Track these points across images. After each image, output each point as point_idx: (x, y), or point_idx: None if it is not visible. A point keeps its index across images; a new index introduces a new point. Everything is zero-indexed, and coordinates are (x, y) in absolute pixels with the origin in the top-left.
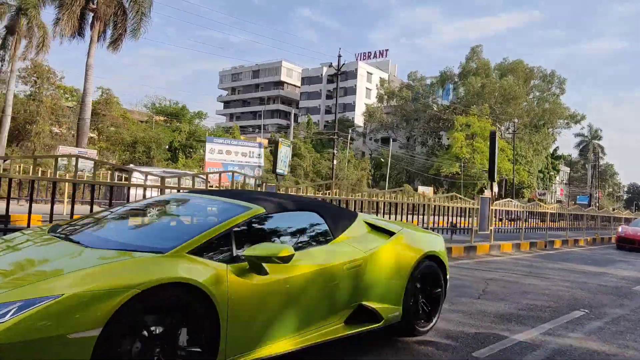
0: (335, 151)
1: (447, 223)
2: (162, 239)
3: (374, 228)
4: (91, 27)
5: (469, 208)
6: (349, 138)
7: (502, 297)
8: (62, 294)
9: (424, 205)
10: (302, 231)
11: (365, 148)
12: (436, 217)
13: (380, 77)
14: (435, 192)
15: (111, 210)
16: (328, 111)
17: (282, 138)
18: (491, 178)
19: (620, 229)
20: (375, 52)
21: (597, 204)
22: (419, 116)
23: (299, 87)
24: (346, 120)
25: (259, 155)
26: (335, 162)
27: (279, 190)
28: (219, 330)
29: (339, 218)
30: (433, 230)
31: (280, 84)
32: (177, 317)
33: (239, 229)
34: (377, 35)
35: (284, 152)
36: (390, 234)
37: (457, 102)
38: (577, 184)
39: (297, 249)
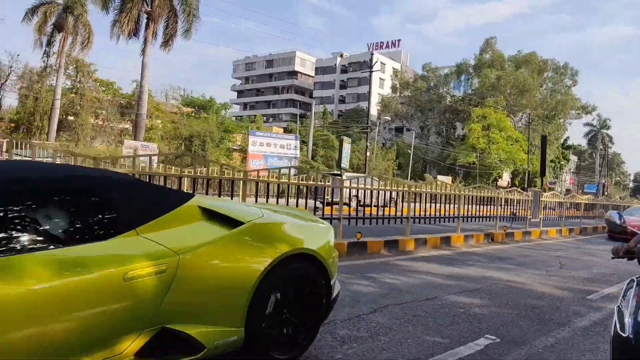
0: (368, 144)
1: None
2: None
3: (213, 215)
4: (146, 28)
5: (524, 200)
6: (376, 130)
7: (577, 268)
8: None
9: (493, 197)
10: (47, 219)
11: (380, 138)
12: (490, 207)
13: (393, 68)
14: (452, 182)
15: None
16: (342, 101)
17: (344, 136)
18: (542, 174)
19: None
20: (387, 42)
21: (607, 193)
22: (432, 106)
23: (313, 77)
24: (360, 110)
25: (295, 147)
26: (368, 153)
27: (342, 182)
28: None
29: (142, 201)
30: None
31: (294, 73)
32: None
33: None
34: (383, 20)
35: (346, 148)
36: (236, 223)
37: (471, 94)
38: (584, 173)
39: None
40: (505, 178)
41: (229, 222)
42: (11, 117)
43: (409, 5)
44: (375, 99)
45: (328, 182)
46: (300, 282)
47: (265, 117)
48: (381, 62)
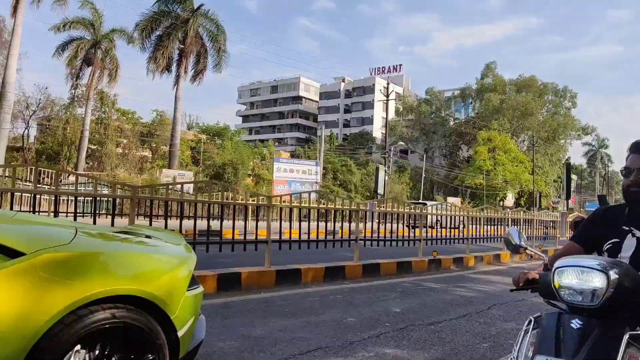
0: (387, 168)
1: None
2: None
3: None
4: (178, 64)
5: (553, 221)
6: (390, 154)
7: None
8: None
9: (532, 219)
10: None
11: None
12: (526, 227)
13: (396, 92)
14: (461, 203)
15: None
16: (346, 124)
17: (380, 165)
18: (567, 198)
19: None
20: (389, 67)
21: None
22: (436, 129)
23: (317, 102)
24: (365, 133)
25: (316, 172)
26: (387, 178)
27: (378, 207)
28: None
29: None
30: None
31: (298, 98)
32: None
33: None
34: (376, 43)
35: (382, 175)
36: (12, 254)
37: (474, 117)
38: (584, 192)
39: None
40: (509, 198)
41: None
42: (37, 147)
43: (402, 28)
44: (379, 122)
45: (413, 209)
46: (127, 338)
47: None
48: (384, 87)
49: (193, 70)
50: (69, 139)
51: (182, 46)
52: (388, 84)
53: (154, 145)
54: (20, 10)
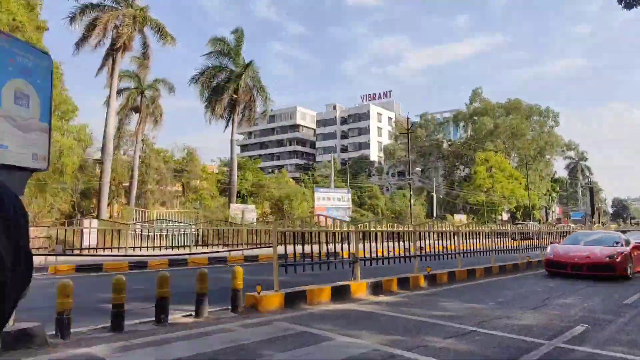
0: (412, 192)
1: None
2: None
3: None
4: (231, 111)
5: (569, 231)
6: (411, 176)
7: None
8: None
9: (553, 232)
10: None
11: (385, 182)
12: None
13: (388, 117)
14: (467, 219)
15: None
16: (344, 149)
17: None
18: (592, 215)
19: (549, 249)
20: (380, 94)
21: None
22: (431, 151)
23: (314, 129)
24: (365, 157)
25: (347, 199)
26: (412, 200)
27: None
28: None
29: None
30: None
31: (295, 127)
32: None
33: None
34: (348, 64)
35: (434, 199)
36: None
37: (469, 139)
38: (566, 202)
39: None
40: (504, 213)
41: None
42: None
43: (374, 49)
44: (375, 146)
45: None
46: None
47: (270, 169)
48: (378, 113)
49: (241, 116)
50: (116, 179)
51: (235, 96)
52: (408, 118)
53: (186, 181)
54: (115, 75)
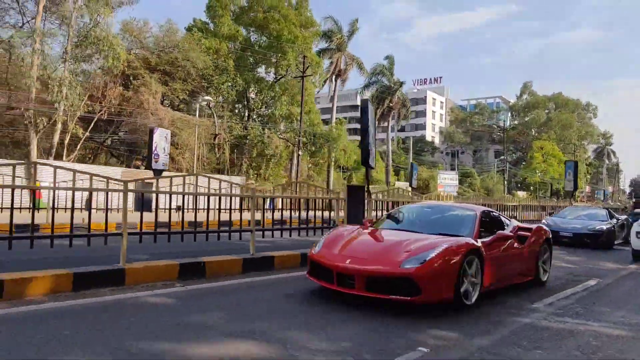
0: (507, 169)
1: None
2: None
3: None
4: (387, 116)
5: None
6: (506, 161)
7: None
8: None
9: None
10: None
11: (441, 160)
12: None
13: (440, 101)
14: (528, 195)
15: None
16: (400, 130)
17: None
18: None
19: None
20: (430, 79)
21: (614, 198)
22: (484, 135)
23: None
24: (422, 138)
25: (455, 179)
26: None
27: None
28: None
29: None
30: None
31: (355, 107)
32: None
33: None
34: (360, 31)
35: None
36: None
37: (524, 127)
38: (595, 182)
39: None
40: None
41: None
42: None
43: (384, 13)
44: (430, 128)
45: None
46: None
47: None
48: (432, 98)
49: (394, 121)
50: None
51: (391, 104)
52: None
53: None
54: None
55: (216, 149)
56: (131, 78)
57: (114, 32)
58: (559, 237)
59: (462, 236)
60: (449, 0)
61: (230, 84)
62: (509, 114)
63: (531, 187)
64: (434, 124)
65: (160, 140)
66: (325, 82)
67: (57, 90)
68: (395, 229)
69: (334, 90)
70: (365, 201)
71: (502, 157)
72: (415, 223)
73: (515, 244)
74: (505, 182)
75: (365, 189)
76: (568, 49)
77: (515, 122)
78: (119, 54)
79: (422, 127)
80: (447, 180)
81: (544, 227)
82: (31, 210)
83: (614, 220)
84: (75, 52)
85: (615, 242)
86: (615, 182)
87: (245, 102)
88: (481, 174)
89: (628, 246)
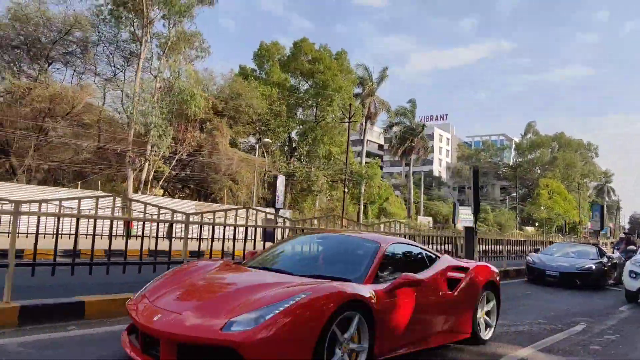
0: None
1: None
2: None
3: None
4: (409, 154)
5: None
6: (518, 198)
7: None
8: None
9: None
10: None
11: (448, 195)
12: None
13: (447, 138)
14: (536, 231)
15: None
16: (407, 164)
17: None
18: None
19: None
20: (436, 116)
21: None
22: (489, 172)
23: (380, 144)
24: (430, 173)
25: (470, 213)
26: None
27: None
28: None
29: None
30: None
31: (361, 141)
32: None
33: None
34: (352, 62)
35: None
36: None
37: (529, 165)
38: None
39: None
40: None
41: None
42: None
43: (378, 48)
44: (437, 164)
45: None
46: None
47: None
48: (439, 134)
49: (415, 157)
50: None
51: (412, 144)
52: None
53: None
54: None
55: (266, 185)
56: (205, 122)
57: (193, 83)
58: (544, 276)
59: (349, 280)
60: (442, 37)
61: (283, 127)
62: (513, 152)
63: (536, 223)
64: (441, 159)
65: (280, 185)
66: (360, 125)
67: (157, 135)
68: (264, 268)
69: (364, 131)
70: (475, 238)
71: (508, 193)
72: (295, 260)
73: (440, 291)
74: (518, 218)
75: (474, 230)
76: (560, 85)
77: (520, 159)
78: (199, 103)
79: (430, 162)
80: (464, 215)
81: (489, 267)
82: (125, 237)
83: (605, 259)
84: (161, 102)
85: (609, 282)
86: (615, 219)
87: (288, 141)
88: (493, 210)
89: (620, 286)
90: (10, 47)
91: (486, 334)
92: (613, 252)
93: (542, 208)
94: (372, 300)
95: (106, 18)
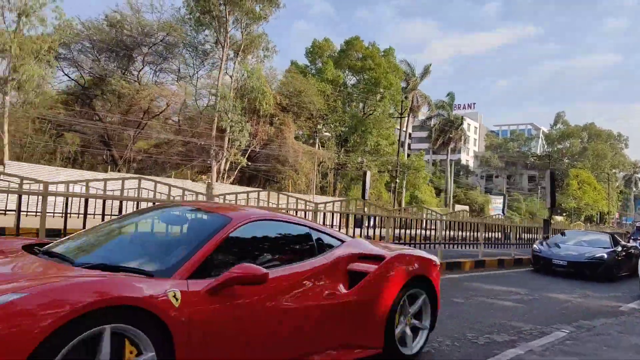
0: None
1: None
2: None
3: None
4: (447, 145)
5: None
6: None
7: None
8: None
9: None
10: None
11: (475, 183)
12: None
13: (474, 127)
14: (565, 220)
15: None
16: (435, 152)
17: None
18: None
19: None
20: (464, 104)
21: None
22: (516, 160)
23: (411, 132)
24: (458, 161)
25: (502, 202)
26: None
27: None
28: None
29: None
30: None
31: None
32: None
33: None
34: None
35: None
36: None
37: (559, 155)
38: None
39: None
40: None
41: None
42: None
43: (401, 34)
44: (465, 152)
45: None
46: None
47: None
48: (467, 123)
49: (451, 149)
50: None
51: (451, 135)
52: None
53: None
54: None
55: (320, 174)
56: (273, 117)
57: (264, 82)
58: (551, 265)
59: (149, 273)
60: (465, 21)
61: (339, 121)
62: (540, 142)
63: (565, 213)
64: (468, 147)
65: (367, 179)
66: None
67: (238, 130)
68: (46, 253)
69: (407, 124)
70: (550, 228)
71: (537, 182)
72: (97, 243)
73: (327, 289)
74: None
75: (550, 221)
76: (586, 73)
77: (549, 150)
78: (270, 100)
79: (458, 150)
80: (496, 204)
81: (420, 255)
82: None
83: (619, 248)
84: (235, 99)
85: (622, 274)
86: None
87: (341, 134)
88: (525, 199)
89: (635, 278)
90: (109, 50)
91: (412, 347)
92: (629, 242)
93: (570, 198)
94: (171, 307)
95: (191, 25)
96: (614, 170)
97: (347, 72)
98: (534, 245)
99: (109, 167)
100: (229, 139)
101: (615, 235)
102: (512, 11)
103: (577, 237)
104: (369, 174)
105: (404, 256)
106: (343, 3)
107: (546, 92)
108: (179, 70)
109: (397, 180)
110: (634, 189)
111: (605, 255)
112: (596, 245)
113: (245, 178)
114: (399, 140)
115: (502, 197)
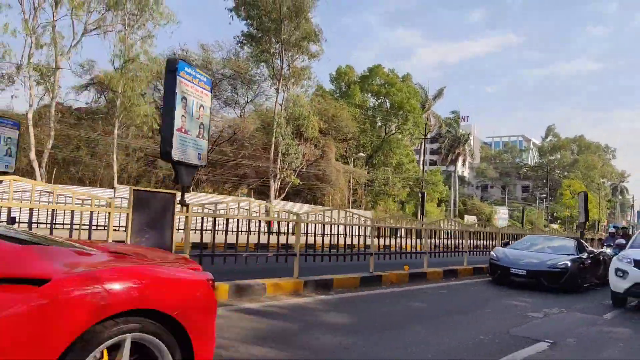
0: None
1: None
2: None
3: None
4: (456, 161)
5: None
6: (547, 197)
7: None
8: None
9: None
10: None
11: (471, 193)
12: None
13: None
14: (559, 228)
15: None
16: (432, 163)
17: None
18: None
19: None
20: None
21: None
22: (510, 171)
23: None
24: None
25: (506, 213)
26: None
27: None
28: None
29: None
30: None
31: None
32: None
33: None
34: (360, 54)
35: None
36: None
37: (551, 166)
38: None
39: None
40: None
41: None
42: None
43: (385, 42)
44: (460, 164)
45: None
46: None
47: None
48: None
49: (460, 162)
50: None
51: (458, 151)
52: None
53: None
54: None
55: (350, 189)
56: (317, 140)
57: (309, 109)
58: (509, 275)
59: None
60: (449, 30)
61: (370, 142)
62: (533, 153)
63: (558, 220)
64: (464, 159)
65: (424, 199)
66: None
67: (293, 154)
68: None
69: (424, 142)
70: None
71: (530, 192)
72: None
73: None
74: (548, 216)
75: (583, 232)
76: (568, 80)
77: (541, 160)
78: (315, 125)
79: (462, 163)
80: (500, 214)
81: (139, 272)
82: (266, 233)
83: (584, 255)
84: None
85: (587, 283)
86: (631, 216)
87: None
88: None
89: (605, 287)
90: None
91: None
92: (602, 247)
93: (564, 207)
94: None
95: (250, 62)
96: (602, 180)
97: (368, 95)
98: (492, 252)
99: (191, 187)
100: (283, 160)
101: (582, 241)
102: (496, 20)
103: (541, 242)
104: (425, 194)
105: (102, 274)
106: (328, 10)
107: (531, 99)
108: (237, 101)
109: (424, 193)
110: (620, 197)
111: (569, 263)
112: (560, 252)
113: (290, 194)
114: (422, 158)
115: (505, 207)
